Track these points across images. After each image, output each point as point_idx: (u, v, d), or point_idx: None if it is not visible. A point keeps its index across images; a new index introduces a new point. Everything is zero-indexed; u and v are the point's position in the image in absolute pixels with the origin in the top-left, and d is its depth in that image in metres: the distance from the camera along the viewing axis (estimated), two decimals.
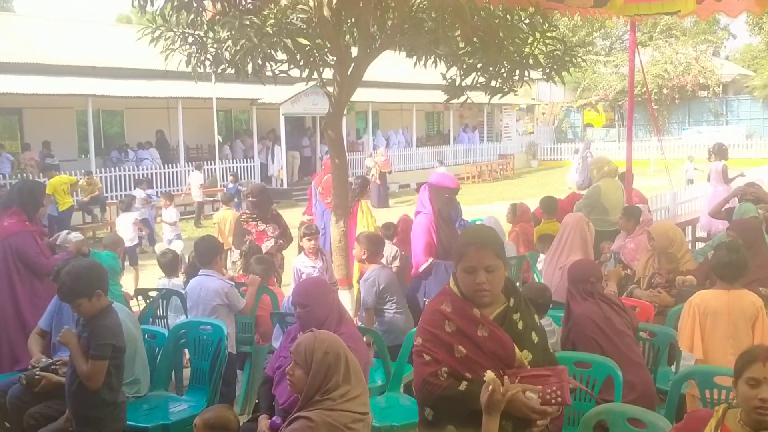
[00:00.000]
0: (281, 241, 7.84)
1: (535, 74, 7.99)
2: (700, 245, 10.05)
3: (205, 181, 20.19)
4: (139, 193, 15.79)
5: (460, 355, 2.92)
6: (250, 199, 7.98)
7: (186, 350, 5.65)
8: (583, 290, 4.69)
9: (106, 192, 18.76)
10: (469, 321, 2.95)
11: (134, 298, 7.36)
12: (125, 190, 19.56)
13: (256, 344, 6.00)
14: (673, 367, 5.10)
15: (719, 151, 11.93)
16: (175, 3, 7.02)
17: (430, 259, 6.14)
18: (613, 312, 4.63)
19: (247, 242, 7.18)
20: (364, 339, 4.55)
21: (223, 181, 21.41)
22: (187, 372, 5.56)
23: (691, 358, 4.65)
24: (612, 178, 8.47)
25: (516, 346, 2.92)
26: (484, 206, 19.50)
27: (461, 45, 7.78)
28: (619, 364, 4.13)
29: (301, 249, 7.31)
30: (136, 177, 19.10)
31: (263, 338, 6.06)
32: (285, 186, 23.41)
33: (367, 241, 6.27)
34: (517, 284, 5.66)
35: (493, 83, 7.91)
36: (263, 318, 5.99)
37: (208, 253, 5.77)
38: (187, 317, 5.80)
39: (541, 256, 7.63)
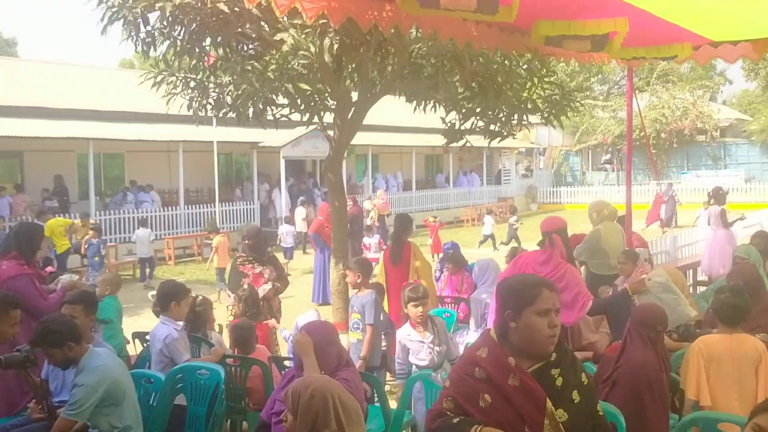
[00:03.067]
0: (278, 285, 7.75)
1: (534, 118, 8.06)
2: (701, 289, 10.00)
3: (206, 224, 20.19)
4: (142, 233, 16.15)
5: (484, 404, 2.79)
6: (246, 242, 7.85)
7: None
8: (647, 336, 4.43)
9: (107, 235, 18.73)
10: (502, 368, 2.81)
11: (131, 342, 7.29)
12: (125, 232, 19.56)
13: (247, 408, 5.73)
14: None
15: (717, 196, 11.99)
16: (178, 48, 7.11)
17: None
18: (665, 369, 4.44)
19: (247, 286, 7.09)
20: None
21: (220, 223, 21.43)
22: None
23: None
24: (611, 221, 8.44)
25: (550, 402, 2.75)
26: (483, 249, 19.46)
27: (460, 90, 7.87)
28: (651, 428, 4.06)
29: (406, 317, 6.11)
30: (139, 218, 19.13)
31: (255, 406, 5.83)
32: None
33: (359, 265, 6.55)
34: None
35: (492, 127, 7.99)
36: (253, 389, 5.76)
37: (162, 299, 5.68)
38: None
39: None
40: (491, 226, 20.49)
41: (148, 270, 16.25)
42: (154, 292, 7.66)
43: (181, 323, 5.69)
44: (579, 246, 8.44)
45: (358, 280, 6.45)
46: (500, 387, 2.78)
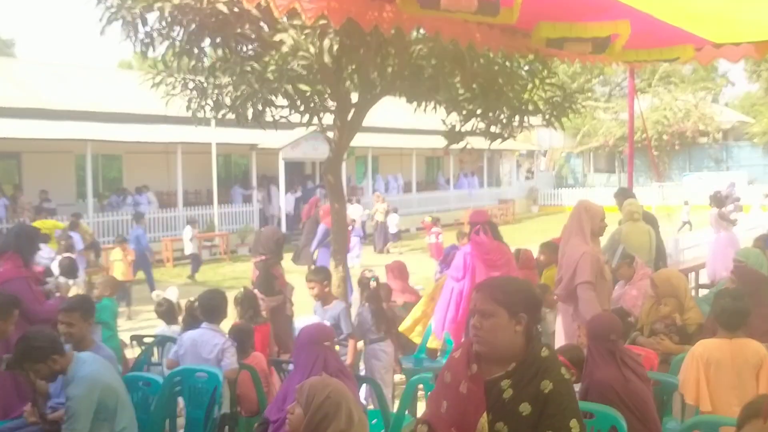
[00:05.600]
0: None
1: (535, 120, 8.02)
2: (703, 292, 9.96)
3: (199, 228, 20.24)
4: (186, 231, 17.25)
5: (443, 409, 2.81)
6: (264, 243, 7.65)
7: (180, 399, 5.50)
8: (604, 349, 4.33)
9: (104, 236, 18.68)
10: (459, 374, 2.81)
11: (129, 345, 7.27)
12: (123, 234, 19.52)
13: (239, 415, 5.67)
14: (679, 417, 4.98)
15: (715, 199, 12.08)
16: (177, 49, 7.07)
17: None
18: (635, 375, 4.30)
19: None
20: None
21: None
22: (181, 421, 5.42)
23: None
24: (634, 221, 8.32)
25: (488, 415, 2.69)
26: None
27: (461, 91, 7.83)
28: None
29: None
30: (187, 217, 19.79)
31: (246, 413, 5.79)
32: (284, 231, 23.36)
33: (322, 275, 6.53)
34: None
35: (492, 129, 7.94)
36: (244, 396, 5.70)
37: (212, 309, 5.62)
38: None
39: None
40: (687, 214, 22.36)
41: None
42: (162, 293, 7.64)
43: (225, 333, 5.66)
44: (602, 246, 8.35)
45: (326, 290, 6.33)
46: (454, 392, 2.80)
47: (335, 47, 6.44)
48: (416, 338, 7.35)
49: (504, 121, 7.84)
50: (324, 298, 6.33)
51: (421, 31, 6.23)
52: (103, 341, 6.21)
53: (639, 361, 4.57)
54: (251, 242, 22.38)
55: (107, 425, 4.29)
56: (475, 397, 2.72)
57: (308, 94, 7.56)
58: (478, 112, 7.81)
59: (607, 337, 4.36)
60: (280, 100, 7.46)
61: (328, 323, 6.16)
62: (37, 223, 14.31)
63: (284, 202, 23.90)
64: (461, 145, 8.25)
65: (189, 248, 17.38)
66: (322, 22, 5.72)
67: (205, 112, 7.69)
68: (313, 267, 7.13)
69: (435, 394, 2.96)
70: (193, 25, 6.64)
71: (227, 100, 7.23)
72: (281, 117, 7.87)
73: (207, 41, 7.08)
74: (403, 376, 6.72)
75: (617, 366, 4.28)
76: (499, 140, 8.08)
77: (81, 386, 4.22)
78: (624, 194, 8.05)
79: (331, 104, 7.97)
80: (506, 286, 2.90)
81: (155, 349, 6.81)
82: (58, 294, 6.35)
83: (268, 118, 7.62)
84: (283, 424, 3.75)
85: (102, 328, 6.67)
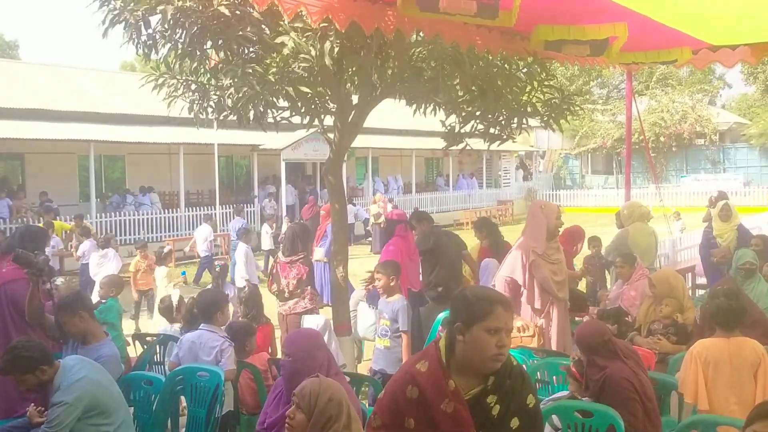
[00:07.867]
0: None
1: (533, 122, 8.07)
2: (699, 292, 10.02)
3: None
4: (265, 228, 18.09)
5: (409, 426, 2.73)
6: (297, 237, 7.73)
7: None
8: (605, 352, 4.37)
9: None
10: (438, 391, 2.69)
11: (131, 344, 7.30)
12: (124, 235, 19.57)
13: (240, 413, 5.71)
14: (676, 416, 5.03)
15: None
16: (179, 51, 7.11)
17: None
18: (638, 367, 4.38)
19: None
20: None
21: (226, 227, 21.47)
22: (183, 420, 5.47)
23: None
24: (643, 222, 8.36)
25: None
26: None
27: (460, 93, 7.88)
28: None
29: None
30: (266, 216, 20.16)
31: (247, 411, 5.79)
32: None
33: (392, 269, 6.40)
34: None
35: (491, 130, 7.98)
36: (245, 395, 5.73)
37: (208, 308, 5.61)
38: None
39: None
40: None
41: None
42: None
43: (224, 333, 5.67)
44: (608, 246, 8.39)
45: (392, 284, 6.32)
46: (431, 410, 2.69)
47: (336, 50, 6.49)
48: None
49: (503, 122, 7.89)
50: (388, 291, 6.34)
51: (421, 33, 6.28)
52: None
53: (634, 350, 4.63)
54: (254, 241, 22.55)
55: (96, 429, 4.28)
56: (463, 417, 2.65)
57: (309, 96, 7.60)
58: (477, 113, 7.85)
59: (602, 339, 4.40)
60: (282, 102, 7.51)
61: (386, 316, 6.27)
62: (57, 224, 14.52)
63: (284, 194, 23.95)
64: (460, 146, 8.29)
65: (266, 244, 18.04)
66: (323, 25, 5.78)
67: (207, 113, 7.73)
68: (385, 261, 7.13)
69: (392, 408, 2.81)
70: (195, 28, 6.67)
71: (229, 102, 7.26)
72: (282, 118, 7.92)
73: (209, 44, 7.12)
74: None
75: (623, 361, 4.33)
76: (498, 142, 8.12)
77: (69, 393, 4.20)
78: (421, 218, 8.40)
79: (331, 106, 8.02)
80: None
81: (157, 348, 6.86)
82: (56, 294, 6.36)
83: (270, 120, 7.66)
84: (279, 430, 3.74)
85: (107, 328, 6.71)
